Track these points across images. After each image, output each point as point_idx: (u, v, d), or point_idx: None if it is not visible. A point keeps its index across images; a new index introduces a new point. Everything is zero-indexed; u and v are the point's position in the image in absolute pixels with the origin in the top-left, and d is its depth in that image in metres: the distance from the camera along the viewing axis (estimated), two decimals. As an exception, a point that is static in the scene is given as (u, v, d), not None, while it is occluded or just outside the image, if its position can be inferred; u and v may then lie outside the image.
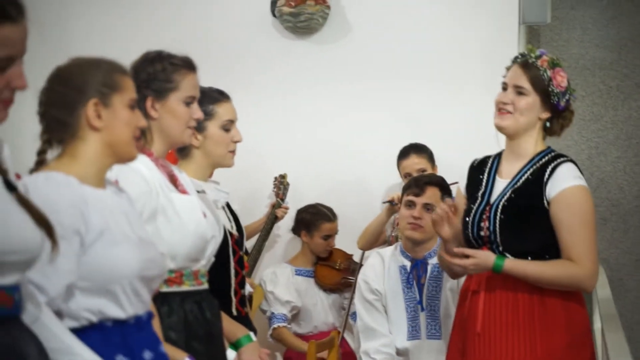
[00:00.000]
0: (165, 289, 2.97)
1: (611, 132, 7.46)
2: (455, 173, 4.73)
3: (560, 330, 3.56)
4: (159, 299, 2.88)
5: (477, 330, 3.60)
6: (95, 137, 2.46)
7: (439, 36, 6.04)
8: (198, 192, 3.18)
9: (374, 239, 5.67)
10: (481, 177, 3.73)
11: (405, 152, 5.65)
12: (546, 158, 3.65)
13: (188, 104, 3.07)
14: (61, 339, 2.24)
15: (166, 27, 6.06)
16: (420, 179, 4.71)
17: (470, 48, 6.01)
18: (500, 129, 3.68)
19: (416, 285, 4.56)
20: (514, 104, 3.63)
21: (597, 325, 5.42)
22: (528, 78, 3.63)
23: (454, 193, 4.31)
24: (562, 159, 3.64)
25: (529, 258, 3.57)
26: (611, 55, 7.45)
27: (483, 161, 3.79)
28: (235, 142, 3.48)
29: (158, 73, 3.04)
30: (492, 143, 3.80)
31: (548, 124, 3.68)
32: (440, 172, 5.40)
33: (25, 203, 2.12)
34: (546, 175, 3.59)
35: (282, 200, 5.96)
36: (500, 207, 3.60)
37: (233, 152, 3.48)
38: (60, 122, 2.46)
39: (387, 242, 5.54)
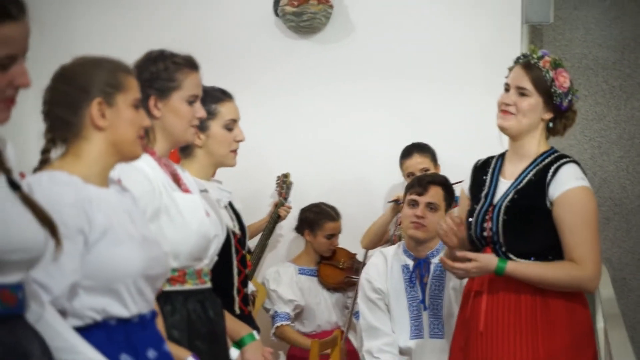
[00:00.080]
0: (168, 287, 2.96)
1: (614, 132, 7.44)
2: (456, 173, 4.74)
3: (563, 330, 3.56)
4: (162, 297, 2.88)
5: (480, 330, 3.60)
6: (99, 136, 2.46)
7: (442, 36, 6.04)
8: (201, 191, 3.18)
9: (378, 238, 5.67)
10: (484, 177, 3.73)
11: (408, 152, 5.65)
12: (549, 159, 3.64)
13: (191, 102, 3.06)
14: (65, 337, 2.24)
15: (168, 27, 6.06)
16: (424, 178, 4.70)
17: (473, 48, 6.01)
18: (503, 130, 3.67)
19: (419, 284, 4.55)
20: (516, 105, 3.63)
21: (600, 324, 5.42)
22: (530, 79, 3.62)
23: (457, 192, 4.31)
24: (565, 160, 3.63)
25: (532, 259, 3.56)
26: (614, 55, 7.43)
27: (486, 162, 3.79)
28: (238, 141, 3.47)
29: (161, 72, 3.04)
30: (493, 143, 3.81)
31: (551, 124, 3.67)
32: (442, 171, 5.40)
33: (29, 202, 2.12)
34: (549, 176, 3.58)
35: (285, 199, 5.96)
36: (503, 207, 3.60)
37: (235, 151, 3.48)
38: (64, 122, 2.46)
39: (390, 241, 5.53)
